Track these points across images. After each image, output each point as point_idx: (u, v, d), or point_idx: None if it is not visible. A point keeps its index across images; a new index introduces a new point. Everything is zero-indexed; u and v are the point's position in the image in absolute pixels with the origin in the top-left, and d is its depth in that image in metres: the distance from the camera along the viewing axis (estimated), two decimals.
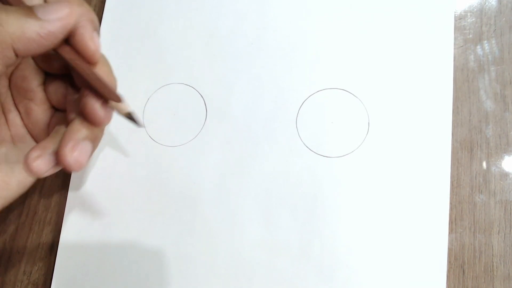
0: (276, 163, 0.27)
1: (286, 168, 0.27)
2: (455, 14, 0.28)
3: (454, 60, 0.27)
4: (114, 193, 0.28)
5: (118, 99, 0.23)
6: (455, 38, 0.27)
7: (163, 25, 0.31)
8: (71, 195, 0.29)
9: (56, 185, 0.29)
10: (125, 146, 0.29)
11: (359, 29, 0.28)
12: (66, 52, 0.22)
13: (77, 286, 0.27)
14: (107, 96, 0.22)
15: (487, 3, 0.28)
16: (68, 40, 0.22)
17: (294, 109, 0.28)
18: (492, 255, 0.24)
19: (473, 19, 0.28)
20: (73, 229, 0.28)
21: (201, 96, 0.29)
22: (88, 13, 0.22)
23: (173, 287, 0.26)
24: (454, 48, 0.27)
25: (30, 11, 0.20)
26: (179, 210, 0.27)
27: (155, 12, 0.31)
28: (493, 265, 0.24)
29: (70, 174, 0.29)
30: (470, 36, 0.28)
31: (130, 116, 0.24)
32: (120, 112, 0.23)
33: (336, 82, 0.28)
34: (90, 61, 0.22)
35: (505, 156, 0.26)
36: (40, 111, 0.25)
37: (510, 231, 0.24)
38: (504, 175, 0.25)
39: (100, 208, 0.28)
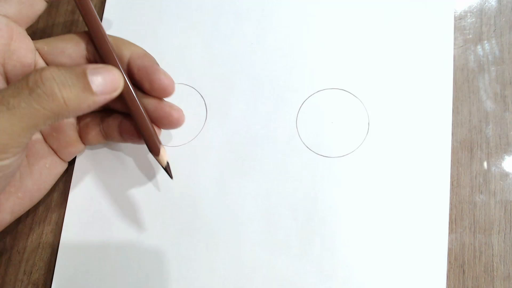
0: (276, 163, 0.27)
1: (286, 168, 0.27)
2: (455, 14, 0.28)
3: (454, 60, 0.27)
4: (114, 193, 0.28)
5: (157, 152, 0.25)
6: (455, 38, 0.27)
7: (163, 25, 0.31)
8: (71, 195, 0.29)
9: (56, 185, 0.29)
10: (125, 146, 0.29)
11: (359, 29, 0.28)
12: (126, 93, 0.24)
13: (77, 286, 0.27)
14: (149, 146, 0.25)
15: (487, 3, 0.28)
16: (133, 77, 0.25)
17: (294, 109, 0.28)
18: (492, 255, 0.24)
19: (473, 19, 0.28)
20: (73, 229, 0.28)
21: (201, 96, 0.29)
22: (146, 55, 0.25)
23: (173, 287, 0.26)
24: (454, 48, 0.27)
25: (87, 85, 0.21)
26: (179, 210, 0.27)
27: (155, 12, 0.31)
28: (493, 265, 0.24)
29: (71, 175, 0.29)
30: (470, 36, 0.28)
31: (166, 168, 0.26)
32: (159, 162, 0.26)
33: (336, 82, 0.28)
34: (164, 94, 0.25)
35: (505, 156, 0.26)
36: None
37: (510, 231, 0.24)
38: (504, 175, 0.25)
39: (100, 208, 0.28)
